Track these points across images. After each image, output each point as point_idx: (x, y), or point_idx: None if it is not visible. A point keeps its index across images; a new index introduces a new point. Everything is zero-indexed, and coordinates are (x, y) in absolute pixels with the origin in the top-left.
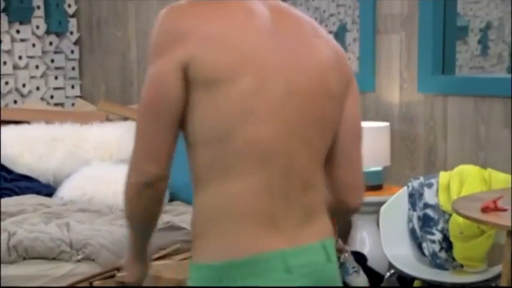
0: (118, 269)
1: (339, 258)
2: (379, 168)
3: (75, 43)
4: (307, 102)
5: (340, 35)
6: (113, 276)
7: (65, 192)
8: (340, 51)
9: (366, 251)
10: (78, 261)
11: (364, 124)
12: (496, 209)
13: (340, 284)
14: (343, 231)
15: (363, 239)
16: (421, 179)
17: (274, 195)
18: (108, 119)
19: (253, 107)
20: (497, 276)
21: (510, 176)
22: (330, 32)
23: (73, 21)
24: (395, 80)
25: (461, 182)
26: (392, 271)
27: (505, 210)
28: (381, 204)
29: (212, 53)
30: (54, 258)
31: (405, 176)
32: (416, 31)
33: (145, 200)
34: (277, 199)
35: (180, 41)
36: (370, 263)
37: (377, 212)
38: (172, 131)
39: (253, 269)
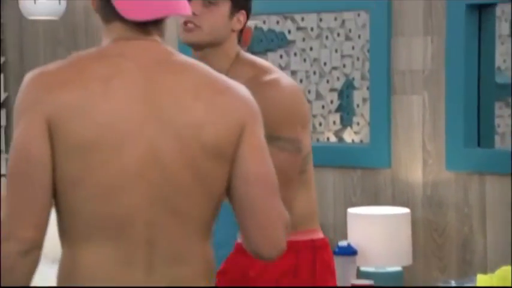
0: None
1: None
2: (397, 269)
3: (2, 106)
4: (175, 167)
5: (346, 93)
6: None
7: None
8: (232, 100)
9: None
10: None
11: (378, 210)
12: None
13: None
14: None
15: None
16: (453, 283)
17: (133, 265)
18: None
19: (106, 178)
20: None
21: None
22: (333, 90)
23: None
24: (417, 154)
25: None
26: None
27: None
28: None
29: (67, 122)
30: None
31: (432, 279)
32: (444, 91)
33: (22, 271)
34: (138, 270)
35: (41, 106)
36: None
37: None
38: (45, 195)
39: None
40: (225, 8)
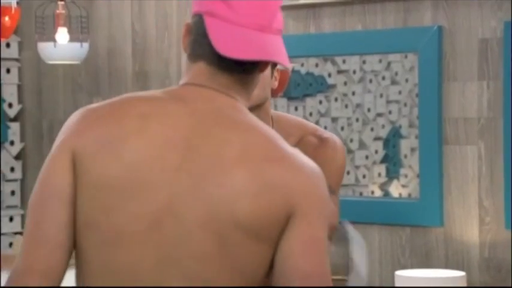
0: None
1: None
2: None
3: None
4: (195, 231)
5: (392, 142)
6: None
7: None
8: (282, 172)
9: None
10: None
11: (429, 273)
12: None
13: None
14: None
15: None
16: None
17: None
18: None
19: (119, 223)
20: None
21: None
22: (378, 139)
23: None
24: (473, 211)
25: None
26: None
27: None
28: None
29: (91, 157)
30: None
31: None
32: (501, 141)
33: None
34: None
35: (70, 138)
36: None
37: None
38: (60, 234)
39: None
40: (268, 68)
